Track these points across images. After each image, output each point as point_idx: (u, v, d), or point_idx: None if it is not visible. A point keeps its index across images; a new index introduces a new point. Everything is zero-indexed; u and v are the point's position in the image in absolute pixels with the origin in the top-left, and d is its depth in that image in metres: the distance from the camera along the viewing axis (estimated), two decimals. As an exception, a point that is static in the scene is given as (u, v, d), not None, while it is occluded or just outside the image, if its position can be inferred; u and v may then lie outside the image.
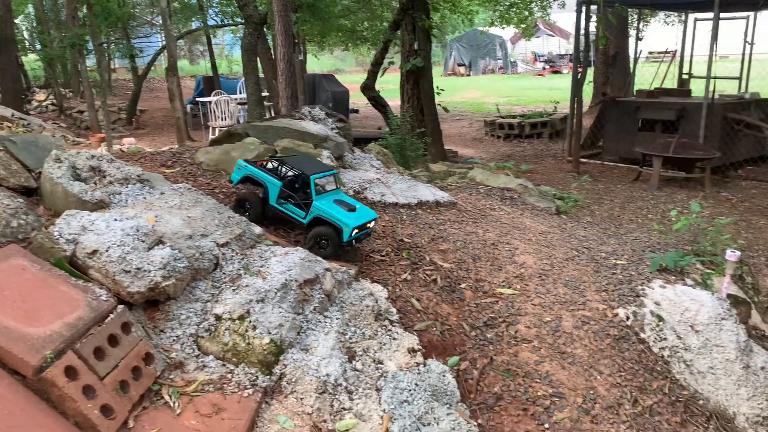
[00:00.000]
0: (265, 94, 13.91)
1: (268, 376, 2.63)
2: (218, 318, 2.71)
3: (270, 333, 2.70)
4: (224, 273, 2.95)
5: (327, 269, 3.17)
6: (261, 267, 3.02)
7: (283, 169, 3.77)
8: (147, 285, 2.59)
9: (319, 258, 3.26)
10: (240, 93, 16.22)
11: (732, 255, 4.01)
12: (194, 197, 3.37)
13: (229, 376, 2.59)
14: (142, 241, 2.71)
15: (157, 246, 2.76)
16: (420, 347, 3.22)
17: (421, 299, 3.64)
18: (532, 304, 3.82)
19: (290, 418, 2.53)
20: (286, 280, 2.91)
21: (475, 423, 2.97)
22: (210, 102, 13.62)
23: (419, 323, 3.42)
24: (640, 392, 3.34)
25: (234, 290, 2.84)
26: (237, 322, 2.70)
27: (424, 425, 2.82)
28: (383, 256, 3.81)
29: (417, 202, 4.62)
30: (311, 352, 2.80)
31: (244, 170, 3.71)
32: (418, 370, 3.06)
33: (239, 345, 2.66)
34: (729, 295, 4.15)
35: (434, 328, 3.43)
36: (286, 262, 3.04)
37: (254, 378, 2.59)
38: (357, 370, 2.87)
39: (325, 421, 2.58)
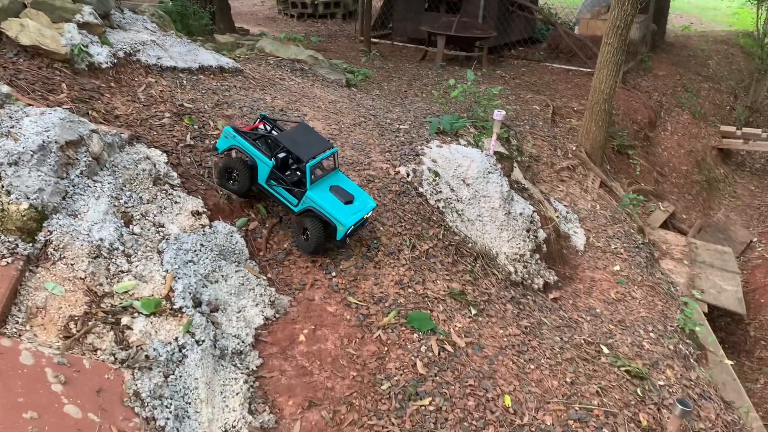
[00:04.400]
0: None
1: (30, 244, 2.39)
2: (-40, 184, 2.36)
3: (29, 198, 2.44)
4: (-36, 135, 2.55)
5: (94, 131, 2.88)
6: (11, 128, 2.65)
7: (276, 145, 3.27)
8: None
9: (83, 119, 2.95)
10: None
11: (498, 114, 4.38)
12: None
13: (-19, 246, 2.32)
14: None
15: None
16: (205, 210, 3.13)
17: (206, 162, 3.50)
18: (320, 165, 3.88)
19: (60, 284, 2.35)
20: (43, 141, 2.61)
21: (265, 277, 3.02)
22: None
23: (203, 187, 3.31)
24: (418, 239, 3.63)
25: (-22, 153, 2.48)
26: (-15, 187, 2.38)
27: (211, 282, 2.80)
28: (160, 120, 3.56)
29: (198, 66, 4.33)
30: (81, 217, 2.59)
31: (232, 140, 3.20)
32: (204, 231, 3.00)
33: (-10, 212, 2.36)
34: (495, 152, 4.58)
35: (221, 192, 3.35)
36: (43, 122, 2.70)
37: (13, 246, 2.35)
38: (135, 234, 2.73)
39: (101, 285, 2.45)
